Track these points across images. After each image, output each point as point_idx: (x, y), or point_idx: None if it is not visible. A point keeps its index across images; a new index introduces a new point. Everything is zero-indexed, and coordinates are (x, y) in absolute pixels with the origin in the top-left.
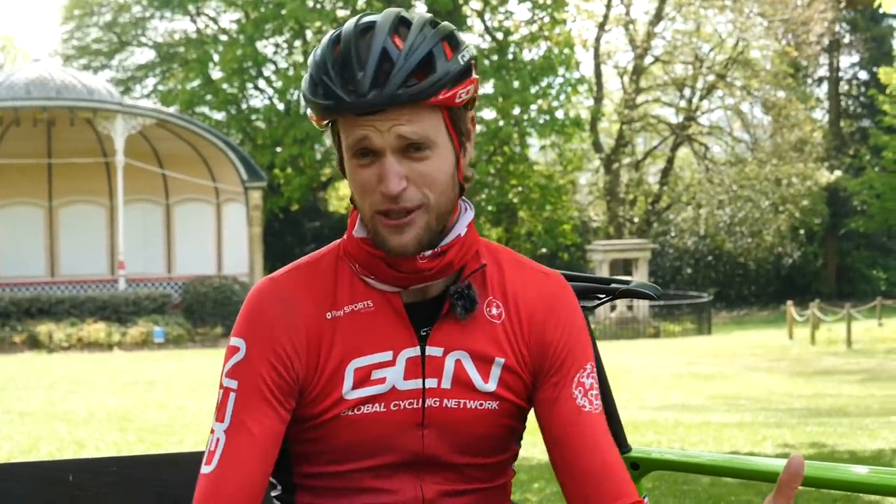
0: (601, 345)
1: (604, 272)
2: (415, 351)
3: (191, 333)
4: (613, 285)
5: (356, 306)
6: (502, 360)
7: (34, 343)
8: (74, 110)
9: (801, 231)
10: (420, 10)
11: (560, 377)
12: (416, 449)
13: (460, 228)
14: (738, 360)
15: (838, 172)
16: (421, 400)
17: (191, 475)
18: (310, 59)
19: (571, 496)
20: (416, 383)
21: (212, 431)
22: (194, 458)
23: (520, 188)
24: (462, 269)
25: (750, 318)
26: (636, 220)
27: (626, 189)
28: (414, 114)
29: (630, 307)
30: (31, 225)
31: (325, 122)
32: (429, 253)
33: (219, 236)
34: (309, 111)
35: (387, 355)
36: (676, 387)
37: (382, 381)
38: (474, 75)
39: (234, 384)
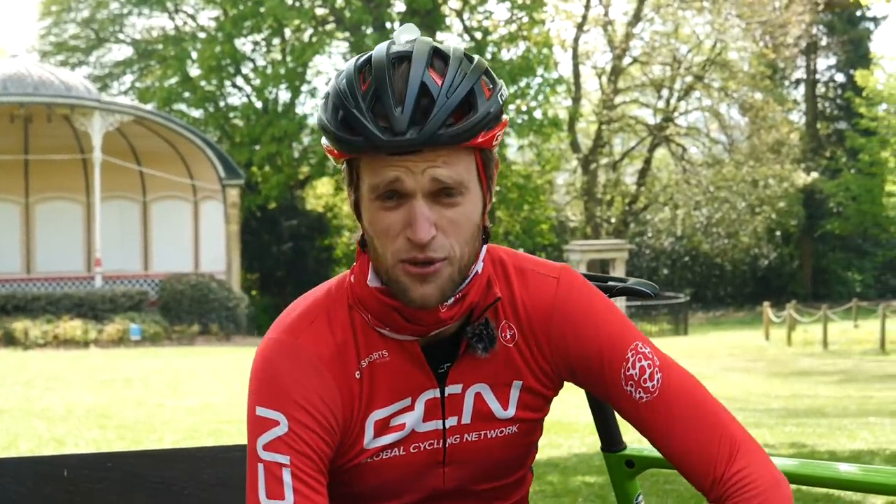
0: None
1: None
2: (434, 392)
3: (167, 331)
4: (611, 283)
5: (372, 357)
6: (520, 383)
7: (10, 340)
8: (52, 107)
9: (778, 232)
10: (398, 8)
11: (607, 379)
12: (438, 485)
13: (477, 266)
14: (716, 360)
15: (815, 174)
16: (441, 440)
17: (187, 471)
18: (330, 86)
19: (683, 474)
20: (436, 424)
21: None
22: (190, 455)
23: (497, 188)
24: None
25: (726, 319)
26: (613, 220)
27: (604, 189)
28: (451, 156)
29: None
30: (7, 221)
31: (344, 158)
32: (450, 301)
33: (196, 234)
34: (327, 143)
35: (405, 402)
36: None
37: (402, 427)
38: (505, 116)
39: (284, 459)
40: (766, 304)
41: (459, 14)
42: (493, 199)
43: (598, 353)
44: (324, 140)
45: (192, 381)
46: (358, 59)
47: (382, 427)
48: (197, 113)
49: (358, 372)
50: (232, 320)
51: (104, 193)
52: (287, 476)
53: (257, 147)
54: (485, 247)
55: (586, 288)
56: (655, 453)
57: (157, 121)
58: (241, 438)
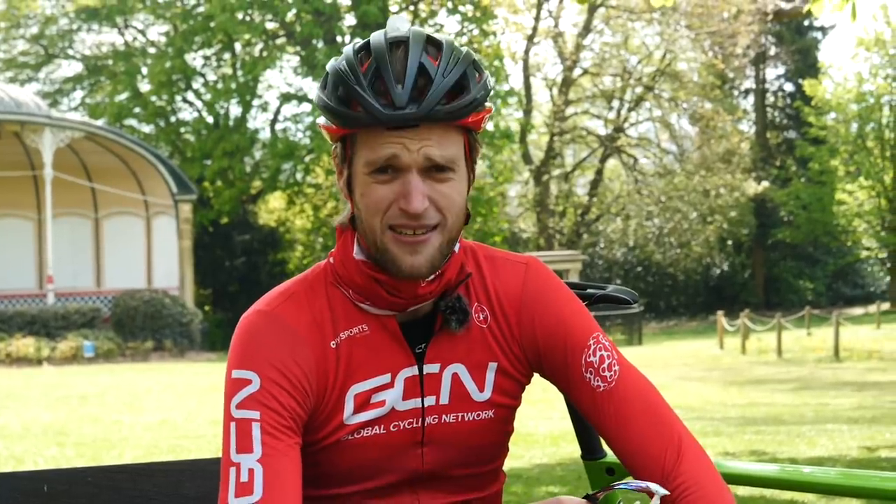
0: None
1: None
2: (413, 370)
3: (121, 347)
4: (590, 291)
5: (352, 332)
6: (495, 364)
7: None
8: (1, 123)
9: (730, 242)
10: (349, 22)
11: (568, 363)
12: (416, 466)
13: (455, 248)
14: (671, 370)
15: (765, 183)
16: (420, 419)
17: (167, 485)
18: (329, 67)
19: (630, 469)
20: (415, 402)
21: (233, 464)
22: (170, 469)
23: None
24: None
25: (679, 329)
26: (566, 231)
27: (556, 201)
28: (444, 134)
29: None
30: None
31: (342, 135)
32: (431, 277)
33: (149, 250)
34: (325, 121)
35: (385, 378)
36: None
37: (382, 403)
38: (489, 104)
39: (254, 414)
40: (719, 313)
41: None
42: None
43: (563, 337)
44: (321, 119)
45: (148, 398)
46: (355, 45)
47: (363, 402)
48: (148, 128)
49: (334, 342)
50: (186, 336)
51: (55, 210)
52: (256, 430)
53: (209, 162)
54: (461, 230)
55: (553, 276)
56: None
57: (108, 136)
58: (201, 454)
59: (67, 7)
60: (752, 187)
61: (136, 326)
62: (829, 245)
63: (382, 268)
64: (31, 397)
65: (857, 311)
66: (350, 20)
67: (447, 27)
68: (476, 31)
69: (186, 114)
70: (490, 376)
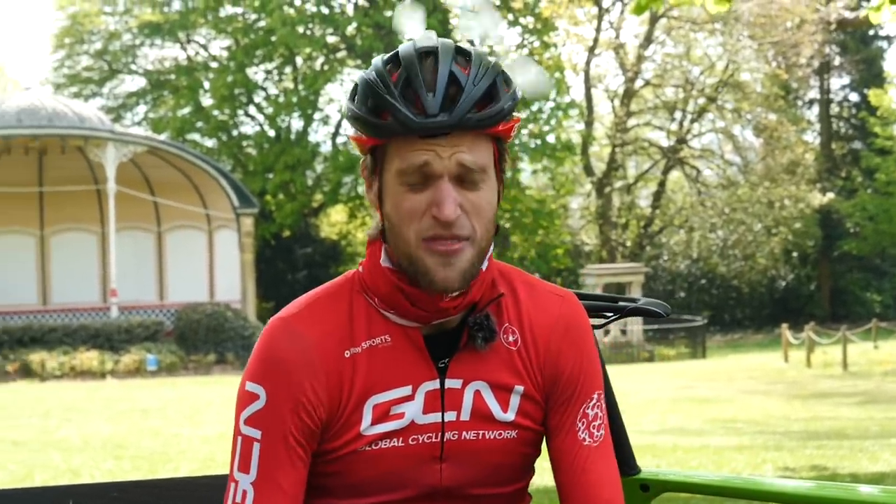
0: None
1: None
2: (434, 384)
3: (184, 361)
4: (622, 303)
5: (374, 341)
6: (521, 388)
7: (27, 372)
8: (65, 138)
9: (795, 253)
10: (407, 34)
11: (568, 407)
12: (434, 483)
13: (485, 264)
14: (735, 383)
15: (831, 195)
16: (440, 434)
17: (191, 500)
18: (359, 79)
19: None
20: (435, 417)
21: (233, 480)
22: (194, 483)
23: (512, 213)
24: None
25: (744, 342)
26: (629, 243)
27: (619, 213)
28: (474, 142)
29: (624, 331)
30: (23, 253)
31: (373, 145)
32: (455, 293)
33: (211, 263)
34: (355, 132)
35: (406, 390)
36: (673, 410)
37: (401, 416)
38: (517, 114)
39: (257, 434)
40: (784, 325)
41: (471, 39)
42: (508, 224)
43: (577, 377)
44: (351, 130)
45: (208, 411)
46: (384, 56)
47: (382, 414)
48: (210, 142)
49: (349, 352)
50: (248, 349)
51: (119, 224)
52: (256, 451)
53: (271, 175)
54: (491, 245)
55: (585, 316)
56: (672, 476)
57: (170, 151)
58: None
59: (130, 23)
60: (818, 198)
61: (199, 340)
62: None
63: (411, 279)
64: (94, 410)
65: None
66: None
67: (508, 39)
68: (537, 43)
69: (248, 128)
70: (515, 400)
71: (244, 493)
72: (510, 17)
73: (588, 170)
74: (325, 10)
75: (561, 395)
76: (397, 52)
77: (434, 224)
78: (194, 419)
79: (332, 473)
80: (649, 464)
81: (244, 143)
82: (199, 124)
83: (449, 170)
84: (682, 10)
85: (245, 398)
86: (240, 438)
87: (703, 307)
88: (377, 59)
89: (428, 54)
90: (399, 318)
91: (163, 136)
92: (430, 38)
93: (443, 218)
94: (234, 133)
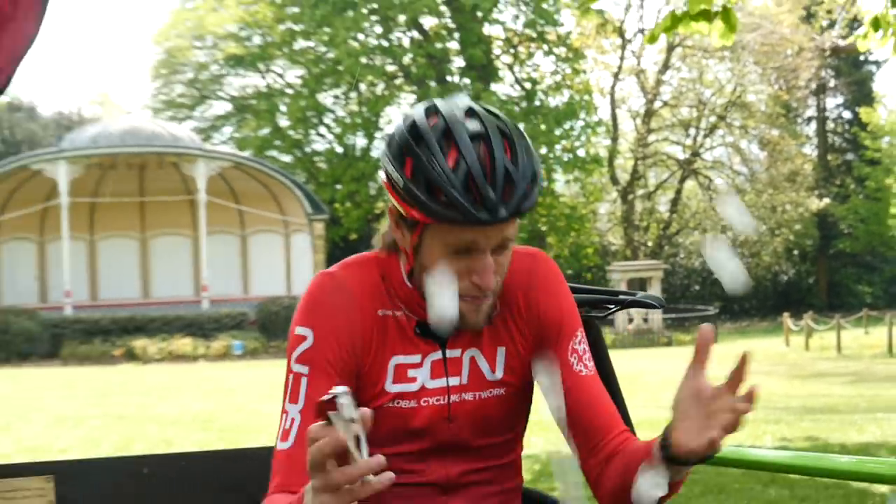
0: (620, 353)
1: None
2: (438, 354)
3: (265, 346)
4: (621, 297)
5: (396, 312)
6: (504, 348)
7: (131, 356)
8: (162, 155)
9: (795, 252)
10: (458, 64)
11: (558, 347)
12: (443, 438)
13: None
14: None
15: (827, 200)
16: (446, 396)
17: (254, 469)
18: (405, 143)
19: (579, 452)
20: (441, 382)
21: (284, 412)
22: (257, 454)
23: (547, 217)
24: None
25: (751, 329)
26: (650, 243)
27: (640, 217)
28: (514, 220)
29: (646, 319)
30: (127, 254)
31: (424, 221)
32: None
33: (288, 262)
34: (408, 203)
35: (416, 357)
36: None
37: (414, 380)
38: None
39: (304, 370)
40: (785, 314)
41: (511, 67)
42: (544, 227)
43: (558, 321)
44: (399, 194)
45: None
46: (439, 132)
47: (401, 374)
48: (287, 158)
49: (381, 311)
50: None
51: (209, 228)
52: (304, 384)
53: (339, 186)
54: None
55: (556, 269)
56: None
57: (252, 165)
58: None
59: (217, 55)
60: (815, 203)
61: (278, 328)
62: (885, 254)
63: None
64: (187, 389)
65: None
66: (459, 62)
67: (543, 67)
68: (568, 70)
69: (319, 145)
70: (500, 359)
71: (292, 420)
72: (545, 47)
73: (614, 179)
74: (384, 43)
75: (548, 338)
76: (447, 126)
77: (471, 286)
78: (273, 396)
79: None
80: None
81: (316, 159)
82: (277, 142)
83: (492, 245)
84: (695, 40)
85: (295, 341)
86: (291, 375)
87: (714, 298)
88: (431, 134)
89: (479, 138)
90: (410, 313)
91: (246, 153)
92: (467, 108)
93: (485, 287)
94: (307, 150)
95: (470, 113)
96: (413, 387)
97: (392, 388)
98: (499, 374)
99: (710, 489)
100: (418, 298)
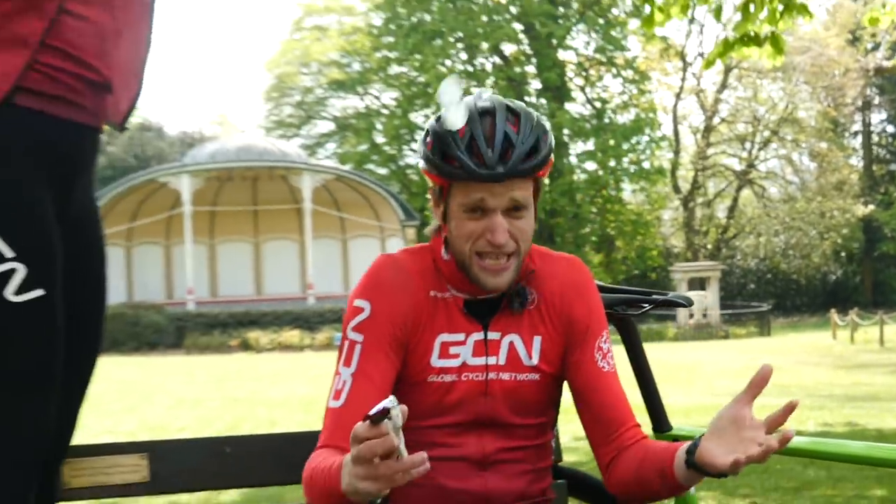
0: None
1: (683, 289)
2: (480, 335)
3: None
4: (654, 296)
5: (445, 294)
6: (539, 338)
7: (246, 346)
8: (272, 169)
9: (842, 254)
10: (535, 86)
11: (584, 344)
12: (480, 412)
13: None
14: (791, 356)
15: (871, 206)
16: (485, 374)
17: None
18: (431, 129)
19: (595, 438)
20: (480, 360)
21: (337, 374)
22: None
23: (616, 223)
24: None
25: (802, 323)
26: (709, 246)
27: (700, 222)
28: (521, 183)
29: (705, 315)
30: (242, 256)
31: (441, 184)
32: None
33: None
34: (429, 170)
35: (460, 336)
36: (741, 377)
37: (457, 356)
38: (551, 157)
39: (359, 338)
40: (833, 311)
41: (582, 88)
42: (613, 232)
43: (587, 321)
44: (424, 166)
45: None
46: (455, 113)
47: (445, 351)
48: (382, 170)
49: (432, 293)
50: None
51: (314, 234)
52: (358, 351)
53: (429, 196)
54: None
55: (588, 274)
56: (697, 432)
57: (352, 178)
58: None
59: (321, 80)
60: (861, 210)
61: None
62: None
63: (465, 274)
64: (294, 375)
65: None
66: (535, 84)
67: (612, 88)
68: (635, 91)
69: (411, 159)
70: (536, 346)
71: (344, 382)
72: (614, 70)
73: (676, 189)
74: (469, 68)
75: (577, 335)
76: (463, 108)
77: (487, 244)
78: None
79: (403, 396)
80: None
81: (408, 171)
82: (374, 157)
83: (502, 205)
84: (750, 62)
85: (353, 311)
86: (346, 342)
87: (768, 296)
88: (449, 115)
89: (487, 113)
90: (456, 291)
91: (347, 167)
92: (487, 98)
93: (496, 242)
94: (401, 163)
95: (485, 98)
96: (455, 362)
97: (437, 362)
98: (535, 360)
99: (755, 469)
100: (453, 272)
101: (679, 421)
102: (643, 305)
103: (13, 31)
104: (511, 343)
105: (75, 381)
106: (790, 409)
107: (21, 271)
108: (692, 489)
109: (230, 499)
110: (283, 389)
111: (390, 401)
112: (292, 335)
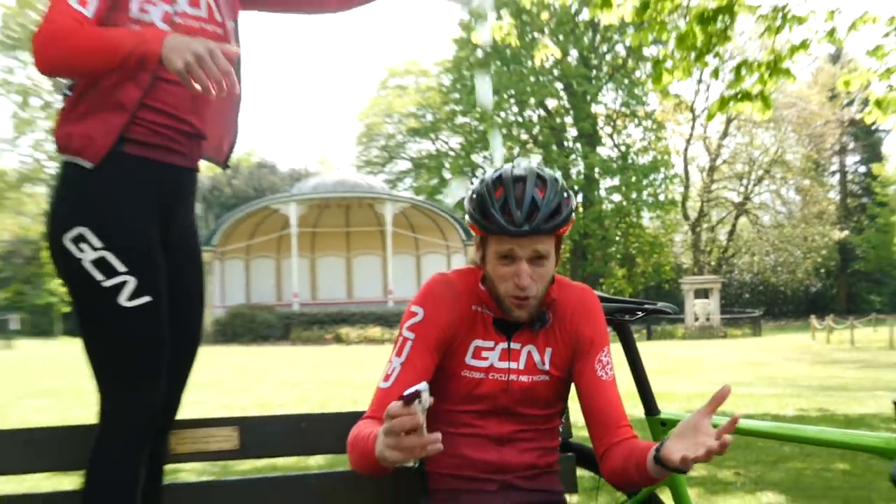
0: (688, 343)
1: (691, 298)
2: (505, 345)
3: None
4: (646, 305)
5: (483, 309)
6: (551, 350)
7: (338, 339)
8: (361, 199)
9: (822, 270)
10: (572, 133)
11: (588, 356)
12: (501, 404)
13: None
14: (778, 353)
15: (846, 232)
16: (507, 375)
17: None
18: (476, 189)
19: (592, 433)
20: (505, 364)
21: (390, 361)
22: None
23: (636, 244)
24: None
25: (787, 327)
26: (712, 263)
27: (705, 244)
28: (545, 238)
29: (708, 319)
30: (336, 268)
31: (481, 235)
32: None
33: None
34: (472, 223)
35: (490, 343)
36: (735, 370)
37: (486, 359)
38: (573, 216)
39: (411, 336)
40: (812, 316)
41: (611, 135)
42: (634, 252)
43: (591, 338)
44: (469, 220)
45: None
46: (492, 177)
47: (477, 353)
48: (449, 200)
49: (474, 307)
50: None
51: (393, 250)
52: (408, 346)
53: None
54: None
55: (596, 300)
56: (680, 416)
57: (424, 206)
58: None
59: (401, 128)
60: (837, 235)
61: None
62: (891, 273)
63: (496, 302)
64: (375, 364)
65: None
66: (572, 132)
67: (634, 135)
68: (653, 137)
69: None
70: (548, 356)
71: (394, 368)
72: (636, 121)
73: (685, 216)
74: (519, 119)
75: (583, 349)
76: (501, 175)
77: (514, 287)
78: None
79: (443, 383)
80: (665, 409)
81: None
82: (443, 190)
83: (526, 255)
84: (747, 114)
85: (410, 314)
86: (401, 337)
87: (760, 304)
88: (489, 178)
89: (519, 180)
90: (489, 311)
91: (420, 197)
92: (522, 167)
93: (520, 285)
94: (463, 194)
95: (522, 167)
96: (484, 363)
97: (470, 361)
98: (546, 366)
99: (740, 446)
100: (488, 298)
101: (683, 405)
102: (637, 313)
103: (115, 98)
104: (529, 352)
105: (179, 368)
106: (723, 395)
107: (132, 283)
108: None
109: (315, 462)
110: (366, 375)
111: (423, 385)
112: (375, 331)
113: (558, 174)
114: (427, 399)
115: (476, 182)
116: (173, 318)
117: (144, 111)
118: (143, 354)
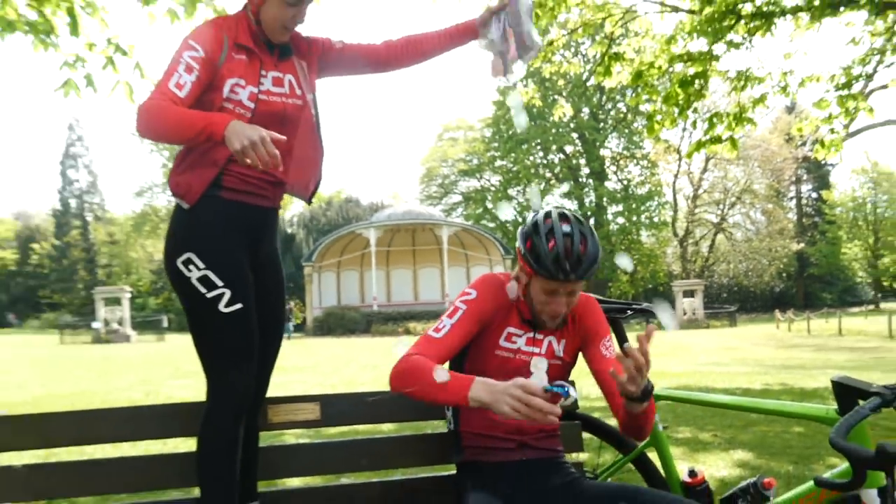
0: (679, 332)
1: (680, 298)
2: (531, 334)
3: None
4: (635, 306)
5: (518, 308)
6: (565, 340)
7: (407, 332)
8: (424, 225)
9: (784, 275)
10: (585, 171)
11: (594, 343)
12: (525, 376)
13: None
14: (749, 340)
15: (802, 244)
16: (531, 357)
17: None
18: (530, 231)
19: (610, 402)
20: (529, 349)
21: (441, 320)
22: None
23: (637, 256)
24: None
25: (757, 319)
26: (696, 270)
27: (691, 255)
28: (582, 281)
29: (694, 312)
30: (406, 277)
31: (531, 273)
32: None
33: None
34: (526, 263)
35: (520, 331)
36: (715, 353)
37: (515, 343)
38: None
39: (463, 307)
40: (776, 311)
41: (615, 172)
42: (636, 262)
43: (595, 329)
44: (523, 257)
45: None
46: (545, 229)
47: (509, 338)
48: (491, 224)
49: (512, 298)
50: None
51: (448, 264)
52: (460, 313)
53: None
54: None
55: (596, 304)
56: (667, 392)
57: (472, 229)
58: None
59: (454, 170)
60: (795, 246)
61: None
62: (838, 275)
63: (531, 310)
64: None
65: (855, 310)
66: (585, 170)
67: (633, 172)
68: (648, 173)
69: (507, 216)
70: (562, 344)
71: (444, 325)
72: (635, 160)
73: (675, 234)
74: (544, 161)
75: (589, 338)
76: (552, 228)
77: (552, 311)
78: None
79: (478, 359)
80: (700, 381)
81: (506, 224)
82: (487, 216)
83: (566, 292)
84: (720, 154)
85: (465, 293)
86: (454, 306)
87: (735, 301)
88: (542, 230)
89: (567, 236)
90: (522, 311)
91: (469, 223)
92: (568, 227)
93: (556, 314)
94: (501, 220)
95: (566, 219)
96: (514, 346)
97: (502, 343)
98: (561, 353)
99: (717, 413)
100: (524, 305)
101: (674, 381)
102: (627, 311)
103: (210, 157)
104: (549, 342)
105: (267, 357)
106: (648, 334)
107: (227, 294)
108: (660, 427)
109: (388, 428)
110: None
111: (544, 362)
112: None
113: (575, 206)
114: (544, 372)
115: (529, 226)
116: (261, 320)
117: (234, 165)
118: (237, 348)
